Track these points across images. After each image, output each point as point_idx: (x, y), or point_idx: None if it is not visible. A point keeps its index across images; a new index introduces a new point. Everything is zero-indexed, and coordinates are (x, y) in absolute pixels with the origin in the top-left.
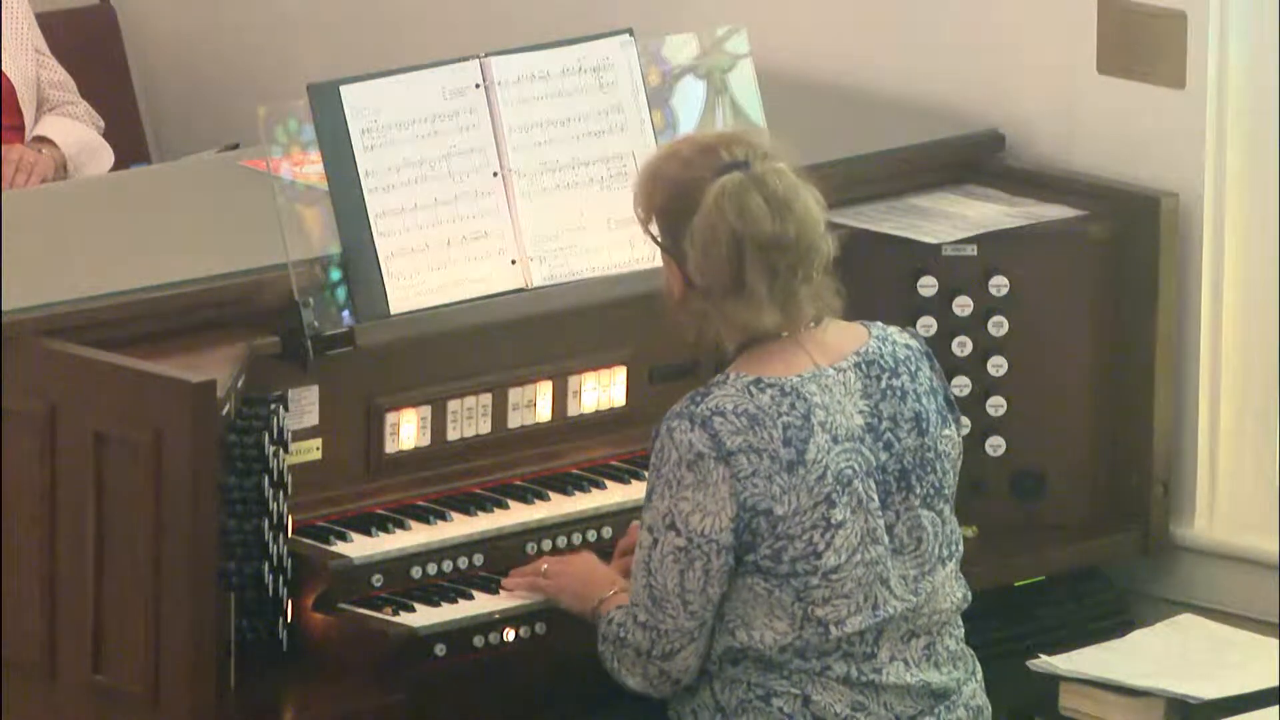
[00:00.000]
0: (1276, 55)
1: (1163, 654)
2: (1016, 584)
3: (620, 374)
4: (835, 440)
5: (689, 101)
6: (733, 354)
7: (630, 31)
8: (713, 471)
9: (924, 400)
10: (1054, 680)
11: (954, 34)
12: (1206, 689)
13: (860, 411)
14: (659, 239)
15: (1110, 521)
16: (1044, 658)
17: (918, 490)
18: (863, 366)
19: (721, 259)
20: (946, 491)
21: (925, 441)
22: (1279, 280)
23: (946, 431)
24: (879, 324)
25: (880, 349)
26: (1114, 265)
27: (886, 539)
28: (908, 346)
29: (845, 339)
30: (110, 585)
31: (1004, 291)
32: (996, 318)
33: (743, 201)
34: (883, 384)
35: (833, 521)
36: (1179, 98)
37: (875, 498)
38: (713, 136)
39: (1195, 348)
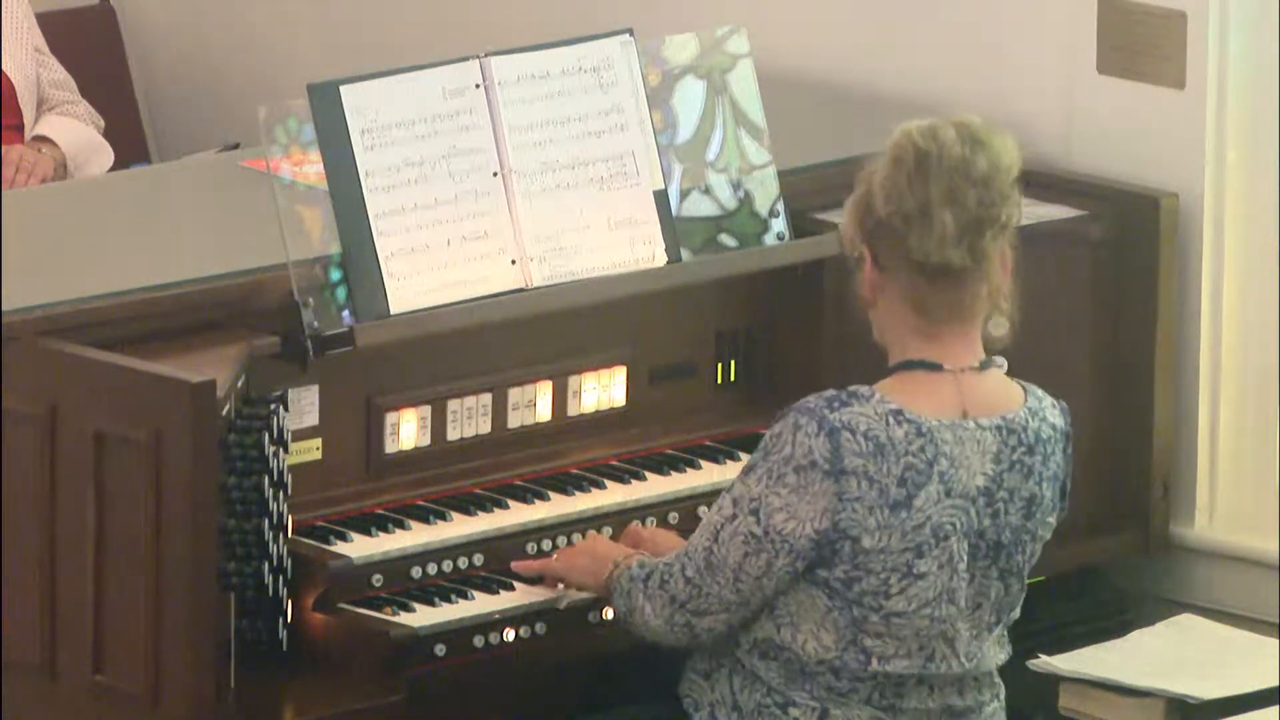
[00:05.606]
0: (1276, 55)
1: (1163, 654)
2: None
3: (620, 374)
4: (948, 494)
5: (689, 101)
6: (889, 368)
7: (630, 31)
8: (817, 484)
9: (1044, 486)
10: (1054, 680)
11: (954, 34)
12: (1206, 689)
13: (984, 474)
14: (865, 245)
15: (1110, 521)
16: (1044, 658)
17: (1002, 565)
18: (1004, 431)
19: (905, 180)
20: (1025, 571)
21: (1028, 525)
22: (1279, 280)
23: (1050, 519)
24: (1037, 391)
25: (1027, 422)
26: (1114, 265)
27: (963, 602)
28: (1053, 427)
29: (999, 397)
30: (110, 585)
31: None
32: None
33: (934, 128)
34: (1015, 456)
35: (915, 571)
36: (1179, 98)
37: (965, 559)
38: None
39: (1195, 348)
